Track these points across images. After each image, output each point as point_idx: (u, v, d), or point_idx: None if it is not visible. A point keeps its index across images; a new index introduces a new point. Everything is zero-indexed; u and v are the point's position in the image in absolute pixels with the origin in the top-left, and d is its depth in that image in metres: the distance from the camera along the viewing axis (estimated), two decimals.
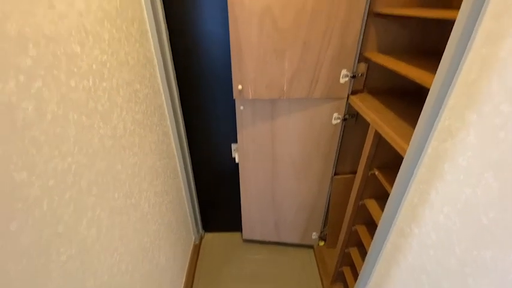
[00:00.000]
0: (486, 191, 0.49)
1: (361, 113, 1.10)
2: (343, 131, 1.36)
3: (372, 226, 1.28)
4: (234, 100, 1.28)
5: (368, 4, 1.04)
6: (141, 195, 0.96)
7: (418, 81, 0.76)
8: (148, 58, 1.06)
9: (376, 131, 0.99)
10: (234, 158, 1.62)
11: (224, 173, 1.72)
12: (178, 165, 1.47)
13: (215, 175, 1.74)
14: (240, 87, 1.21)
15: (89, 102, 0.65)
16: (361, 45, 1.13)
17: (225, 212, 1.91)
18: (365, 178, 1.14)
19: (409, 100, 1.14)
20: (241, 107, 1.31)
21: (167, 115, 1.29)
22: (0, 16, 0.43)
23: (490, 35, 0.49)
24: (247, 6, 1.03)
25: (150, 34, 1.08)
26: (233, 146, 1.59)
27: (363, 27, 1.08)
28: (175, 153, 1.43)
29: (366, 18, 1.07)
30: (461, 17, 0.53)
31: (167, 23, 1.23)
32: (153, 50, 1.11)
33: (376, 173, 1.08)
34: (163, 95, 1.23)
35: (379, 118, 0.97)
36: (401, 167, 0.75)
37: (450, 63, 0.55)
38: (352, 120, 1.32)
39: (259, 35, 1.08)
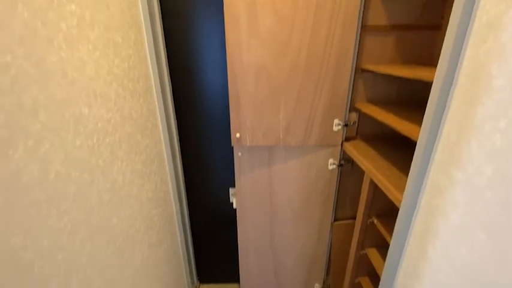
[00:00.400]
0: (481, 252, 0.49)
1: (355, 160, 1.13)
2: (340, 176, 1.38)
3: (375, 277, 1.22)
4: (233, 147, 1.32)
5: (355, 61, 1.14)
6: (134, 249, 0.93)
7: (406, 134, 0.81)
8: (151, 111, 1.12)
9: (371, 179, 1.01)
10: (232, 203, 1.61)
11: (221, 218, 1.69)
12: (174, 212, 1.45)
13: (212, 221, 1.70)
14: (238, 135, 1.25)
15: (91, 159, 0.68)
16: (351, 96, 1.21)
17: (221, 261, 1.82)
18: (364, 226, 1.12)
19: (401, 146, 1.18)
20: (239, 154, 1.34)
21: (166, 162, 1.32)
22: (18, 89, 0.47)
23: (464, 99, 0.54)
24: (245, 62, 1.12)
25: (154, 89, 1.15)
26: (231, 190, 1.59)
27: (352, 81, 1.17)
28: (172, 200, 1.42)
29: (353, 73, 1.16)
30: (437, 82, 0.59)
31: (170, 77, 1.32)
32: (156, 103, 1.18)
33: (375, 221, 1.06)
34: (163, 144, 1.27)
35: (373, 166, 0.99)
36: (397, 220, 0.75)
37: (431, 124, 0.59)
38: (348, 165, 1.34)
39: (256, 88, 1.16)
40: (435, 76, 0.60)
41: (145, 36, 1.09)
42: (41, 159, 0.51)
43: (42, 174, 0.51)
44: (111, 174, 0.78)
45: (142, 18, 1.06)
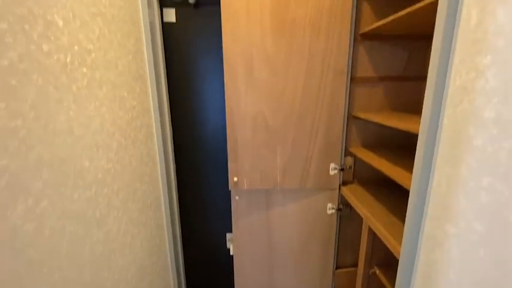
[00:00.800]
0: None
1: (353, 205, 1.13)
2: (340, 221, 1.35)
3: None
4: (230, 190, 1.32)
5: (346, 109, 1.20)
6: None
7: (399, 182, 0.82)
8: (151, 156, 1.15)
9: (369, 226, 1.00)
10: (229, 250, 1.55)
11: (218, 266, 1.61)
12: (169, 260, 1.39)
13: (208, 269, 1.62)
14: (235, 179, 1.27)
15: (88, 211, 0.68)
16: (346, 141, 1.25)
17: None
18: (366, 277, 1.07)
19: (397, 189, 1.18)
20: (237, 197, 1.34)
21: (163, 207, 1.31)
22: (25, 149, 0.50)
23: (449, 155, 0.56)
24: (243, 110, 1.19)
25: (155, 135, 1.20)
26: (228, 236, 1.55)
27: (345, 127, 1.22)
28: (167, 247, 1.37)
29: (346, 120, 1.22)
30: (421, 137, 0.63)
31: (172, 121, 1.38)
32: (157, 149, 1.22)
33: (377, 271, 1.02)
34: (161, 189, 1.27)
35: (370, 213, 0.99)
36: (398, 274, 0.72)
37: (420, 175, 0.61)
38: (347, 210, 1.33)
39: (253, 133, 1.21)
40: (420, 132, 0.63)
41: (149, 86, 1.16)
42: (38, 217, 0.52)
43: (37, 232, 0.52)
44: (106, 225, 0.77)
45: (147, 70, 1.15)
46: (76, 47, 0.66)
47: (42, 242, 0.53)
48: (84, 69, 0.69)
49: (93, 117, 0.72)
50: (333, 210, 1.31)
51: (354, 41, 1.15)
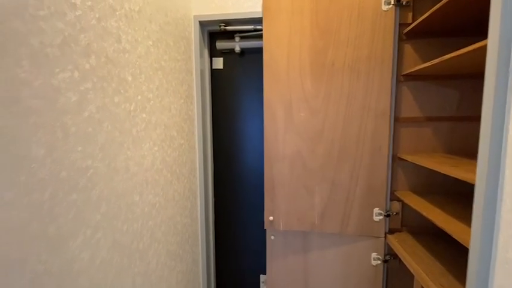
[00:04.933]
0: None
1: (401, 258, 1.01)
2: (387, 274, 1.21)
3: None
4: (265, 230, 1.30)
5: (391, 150, 1.14)
6: None
7: (455, 237, 0.72)
8: (192, 191, 1.22)
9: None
10: None
11: None
12: None
13: None
14: (271, 218, 1.25)
15: (133, 243, 0.74)
16: (391, 185, 1.16)
17: None
18: None
19: (456, 243, 1.02)
20: (272, 237, 1.30)
21: (199, 243, 1.33)
22: (90, 186, 0.59)
23: None
24: (281, 149, 1.21)
25: (197, 171, 1.28)
26: (262, 277, 1.48)
27: (390, 170, 1.15)
28: (201, 283, 1.37)
29: (391, 162, 1.15)
30: (478, 192, 0.56)
31: (213, 159, 1.46)
32: (198, 183, 1.29)
33: None
34: (199, 223, 1.31)
35: (423, 270, 0.87)
36: None
37: (481, 236, 0.53)
38: (395, 262, 1.19)
39: (291, 173, 1.21)
40: (476, 183, 0.57)
41: (196, 126, 1.27)
42: (93, 247, 0.58)
43: (90, 262, 0.57)
44: (147, 257, 0.82)
45: (195, 111, 1.27)
46: (139, 97, 0.78)
47: (93, 270, 0.59)
48: (144, 115, 0.80)
49: (146, 156, 0.81)
50: (379, 261, 1.18)
51: (397, 81, 1.13)
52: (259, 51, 1.26)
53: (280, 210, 1.24)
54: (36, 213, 0.47)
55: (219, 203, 1.49)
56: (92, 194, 0.58)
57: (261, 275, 1.48)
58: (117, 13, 0.68)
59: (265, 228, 1.27)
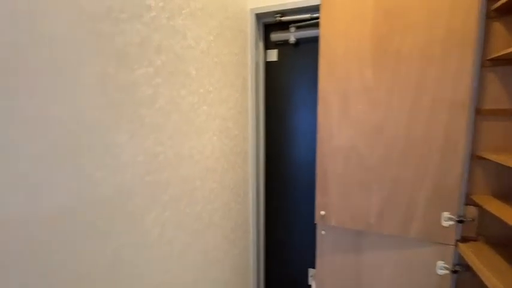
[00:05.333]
0: None
1: (477, 271, 0.88)
2: (456, 287, 1.07)
3: None
4: (316, 224, 1.28)
5: (469, 148, 0.99)
6: None
7: None
8: (245, 180, 1.27)
9: None
10: (310, 286, 1.47)
11: None
12: (251, 281, 1.44)
13: None
14: (322, 212, 1.22)
15: (194, 224, 0.81)
16: (467, 187, 1.01)
17: None
18: None
19: None
20: (323, 232, 1.27)
21: (250, 230, 1.38)
22: (161, 169, 0.66)
23: None
24: (335, 143, 1.16)
25: (250, 162, 1.32)
26: (310, 271, 1.47)
27: (467, 170, 1.00)
28: (251, 269, 1.43)
29: (469, 161, 1.00)
30: None
31: (266, 150, 1.49)
32: (250, 173, 1.33)
33: None
34: (250, 211, 1.36)
35: (505, 287, 0.74)
36: None
37: None
38: (467, 274, 1.04)
39: (345, 169, 1.15)
40: None
41: (249, 118, 1.31)
42: (162, 224, 0.66)
43: (160, 236, 0.65)
44: (206, 238, 0.89)
45: (249, 104, 1.30)
46: (201, 90, 0.83)
47: (162, 244, 0.66)
48: (205, 107, 0.86)
49: (206, 145, 0.87)
50: (446, 271, 1.05)
51: (481, 66, 0.96)
52: (314, 40, 1.21)
53: (332, 206, 1.20)
54: (119, 191, 0.55)
55: (270, 193, 1.52)
56: (162, 177, 0.66)
57: (310, 269, 1.47)
58: (183, 11, 0.73)
59: (315, 222, 1.25)
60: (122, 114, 0.54)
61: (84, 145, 0.47)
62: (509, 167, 0.96)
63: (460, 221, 1.02)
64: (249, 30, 1.27)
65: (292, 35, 1.35)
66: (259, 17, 1.33)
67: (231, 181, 1.10)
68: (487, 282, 0.82)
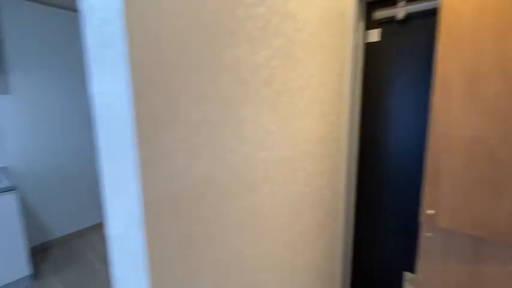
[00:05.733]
0: None
1: None
2: None
3: None
4: (418, 224, 1.13)
5: None
6: None
7: None
8: (338, 167, 1.23)
9: None
10: None
11: None
12: (340, 268, 1.41)
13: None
14: (431, 212, 1.07)
15: (295, 205, 0.84)
16: None
17: None
18: None
19: None
20: (429, 234, 1.12)
21: (341, 219, 1.34)
22: (271, 147, 0.70)
23: None
24: (454, 133, 0.99)
25: (343, 148, 1.26)
26: (407, 275, 1.33)
27: None
28: (339, 255, 1.39)
29: None
30: None
31: (360, 139, 1.40)
32: (343, 161, 1.28)
33: None
34: (342, 200, 1.32)
35: None
36: None
37: None
38: None
39: (467, 164, 0.97)
40: None
41: (345, 104, 1.25)
42: (272, 198, 0.71)
43: (270, 208, 0.70)
44: (303, 218, 0.91)
45: (346, 88, 1.24)
46: (307, 73, 0.84)
47: (271, 217, 0.71)
48: (308, 90, 0.86)
49: (307, 127, 0.88)
50: None
51: None
52: (428, 15, 1.05)
53: (445, 205, 1.04)
54: (244, 162, 0.61)
55: (362, 185, 1.43)
56: (273, 154, 0.70)
57: (406, 272, 1.33)
58: None
59: (421, 221, 1.11)
60: (248, 92, 0.60)
61: (222, 118, 0.55)
62: None
63: None
64: (349, 10, 1.20)
65: (401, 10, 1.20)
66: None
67: (326, 167, 1.08)
68: None
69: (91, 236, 2.41)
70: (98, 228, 2.53)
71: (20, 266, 1.71)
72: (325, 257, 1.18)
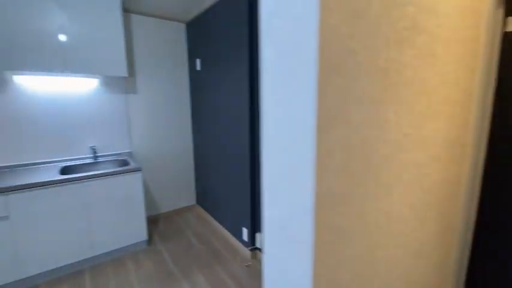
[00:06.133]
0: None
1: None
2: None
3: None
4: None
5: None
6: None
7: None
8: (461, 177, 1.08)
9: None
10: None
11: None
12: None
13: None
14: None
15: (419, 211, 0.78)
16: None
17: None
18: None
19: None
20: None
21: (458, 241, 1.18)
22: (409, 149, 0.67)
23: None
24: None
25: (469, 155, 1.10)
26: None
27: None
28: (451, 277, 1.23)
29: None
30: None
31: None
32: (468, 170, 1.12)
33: None
34: (460, 214, 1.16)
35: None
36: None
37: None
38: None
39: None
40: None
41: (475, 104, 1.08)
42: (399, 201, 0.68)
43: (399, 213, 0.68)
44: (424, 228, 0.84)
45: (477, 87, 1.07)
46: (442, 71, 0.76)
47: (400, 220, 0.69)
48: (442, 89, 0.79)
49: (435, 130, 0.81)
50: None
51: None
52: None
53: None
54: (383, 164, 0.61)
55: (488, 199, 1.22)
56: (407, 156, 0.67)
57: None
58: None
59: None
60: (394, 92, 0.59)
61: (371, 119, 0.56)
62: None
63: None
64: None
65: None
66: None
67: (450, 176, 0.97)
68: None
69: (187, 215, 2.80)
70: (192, 209, 2.92)
71: (140, 232, 2.12)
72: (436, 275, 1.07)
